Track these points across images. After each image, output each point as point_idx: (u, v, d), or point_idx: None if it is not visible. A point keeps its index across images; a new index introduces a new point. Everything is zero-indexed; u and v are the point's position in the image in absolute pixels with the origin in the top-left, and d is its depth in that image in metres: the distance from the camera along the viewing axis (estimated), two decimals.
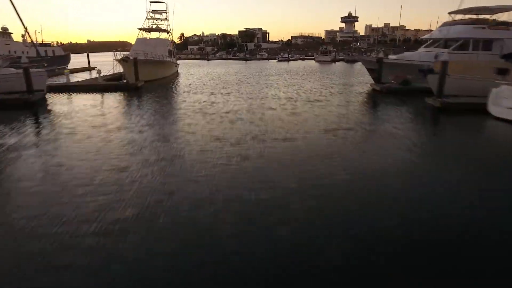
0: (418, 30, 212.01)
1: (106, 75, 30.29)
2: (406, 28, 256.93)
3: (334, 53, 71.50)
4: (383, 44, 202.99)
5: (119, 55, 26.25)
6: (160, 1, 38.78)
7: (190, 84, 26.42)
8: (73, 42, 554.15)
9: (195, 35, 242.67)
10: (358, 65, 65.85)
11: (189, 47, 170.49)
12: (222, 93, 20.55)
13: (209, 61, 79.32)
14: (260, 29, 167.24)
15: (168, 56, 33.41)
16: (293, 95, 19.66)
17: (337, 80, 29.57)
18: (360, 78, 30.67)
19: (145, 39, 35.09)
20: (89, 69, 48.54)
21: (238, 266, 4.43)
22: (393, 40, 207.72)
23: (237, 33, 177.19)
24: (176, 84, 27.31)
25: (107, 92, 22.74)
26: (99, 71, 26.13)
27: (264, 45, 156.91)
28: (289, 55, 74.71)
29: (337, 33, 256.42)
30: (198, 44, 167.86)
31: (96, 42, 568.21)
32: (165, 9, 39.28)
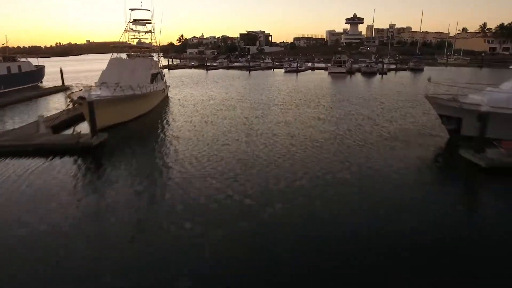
0: (427, 32, 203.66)
1: (63, 111, 21.94)
2: (413, 29, 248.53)
3: (349, 63, 63.01)
4: (391, 47, 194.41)
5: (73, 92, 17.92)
6: (144, 9, 30.41)
7: (176, 137, 17.88)
8: (72, 42, 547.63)
9: (194, 37, 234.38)
10: (377, 79, 57.39)
11: (188, 51, 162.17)
12: (223, 177, 12.07)
13: (208, 71, 70.90)
14: (262, 32, 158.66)
15: (151, 82, 24.95)
16: (344, 188, 11.24)
17: (381, 120, 21.16)
18: (411, 119, 22.11)
19: (121, 59, 26.63)
20: (63, 88, 39.97)
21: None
22: (400, 43, 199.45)
23: (238, 36, 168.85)
24: (155, 135, 18.91)
25: (44, 156, 14.42)
26: (41, 116, 17.73)
27: (267, 48, 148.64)
28: (298, 65, 66.04)
29: (341, 35, 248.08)
30: (198, 48, 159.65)
31: (96, 42, 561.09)
32: (150, 18, 30.89)
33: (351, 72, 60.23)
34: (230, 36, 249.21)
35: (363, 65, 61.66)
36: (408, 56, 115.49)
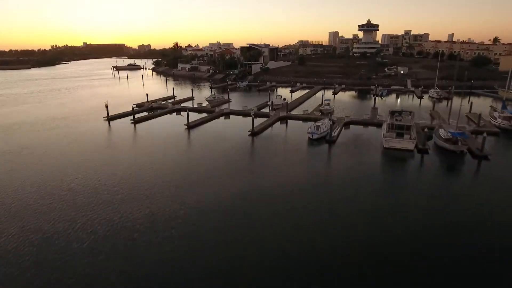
0: (453, 42, 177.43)
1: None
2: (429, 38, 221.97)
3: (414, 132, 37.58)
4: (409, 57, 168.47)
5: None
6: None
7: None
8: (69, 45, 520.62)
9: (189, 45, 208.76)
10: (469, 173, 32.60)
11: (180, 66, 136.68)
12: None
13: (191, 130, 45.88)
14: (267, 45, 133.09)
15: None
16: None
17: None
18: None
19: None
20: None
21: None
22: (421, 53, 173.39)
23: (239, 48, 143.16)
24: None
25: None
26: None
27: (272, 64, 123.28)
28: (331, 129, 40.03)
29: (354, 43, 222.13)
30: (191, 62, 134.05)
31: (92, 45, 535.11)
32: None
33: (423, 149, 35.17)
34: (226, 42, 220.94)
35: (445, 133, 36.18)
36: (452, 81, 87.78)
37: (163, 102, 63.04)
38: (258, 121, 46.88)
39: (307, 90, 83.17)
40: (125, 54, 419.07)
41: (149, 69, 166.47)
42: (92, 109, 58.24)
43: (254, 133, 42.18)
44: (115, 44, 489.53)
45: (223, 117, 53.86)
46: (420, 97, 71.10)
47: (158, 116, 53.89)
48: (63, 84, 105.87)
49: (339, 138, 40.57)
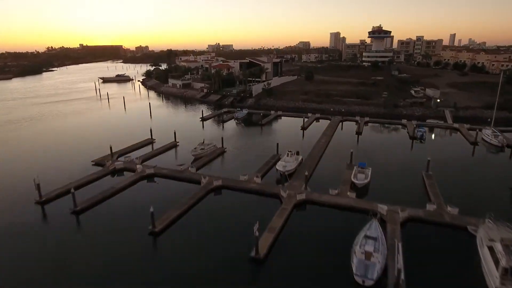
0: (477, 51, 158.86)
1: None
2: (441, 44, 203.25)
3: None
4: (426, 67, 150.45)
5: None
6: None
7: None
8: (66, 46, 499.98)
9: (185, 51, 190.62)
10: None
11: (171, 81, 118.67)
12: None
13: (158, 237, 28.42)
14: (269, 59, 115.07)
15: None
16: None
17: None
18: None
19: None
20: None
21: None
22: (439, 64, 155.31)
23: (237, 60, 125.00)
24: None
25: None
26: None
27: (276, 80, 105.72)
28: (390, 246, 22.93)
29: (362, 50, 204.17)
30: (183, 78, 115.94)
31: (89, 47, 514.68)
32: None
33: None
34: (226, 44, 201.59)
35: None
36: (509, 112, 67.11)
37: (134, 158, 45.36)
38: (263, 204, 30.07)
39: (322, 125, 65.65)
40: (122, 57, 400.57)
41: (138, 81, 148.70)
42: (27, 177, 38.70)
43: (258, 259, 24.57)
44: (112, 46, 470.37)
45: (213, 193, 36.34)
46: (474, 143, 53.33)
47: (116, 194, 36.13)
48: (28, 110, 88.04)
49: (406, 264, 22.81)
